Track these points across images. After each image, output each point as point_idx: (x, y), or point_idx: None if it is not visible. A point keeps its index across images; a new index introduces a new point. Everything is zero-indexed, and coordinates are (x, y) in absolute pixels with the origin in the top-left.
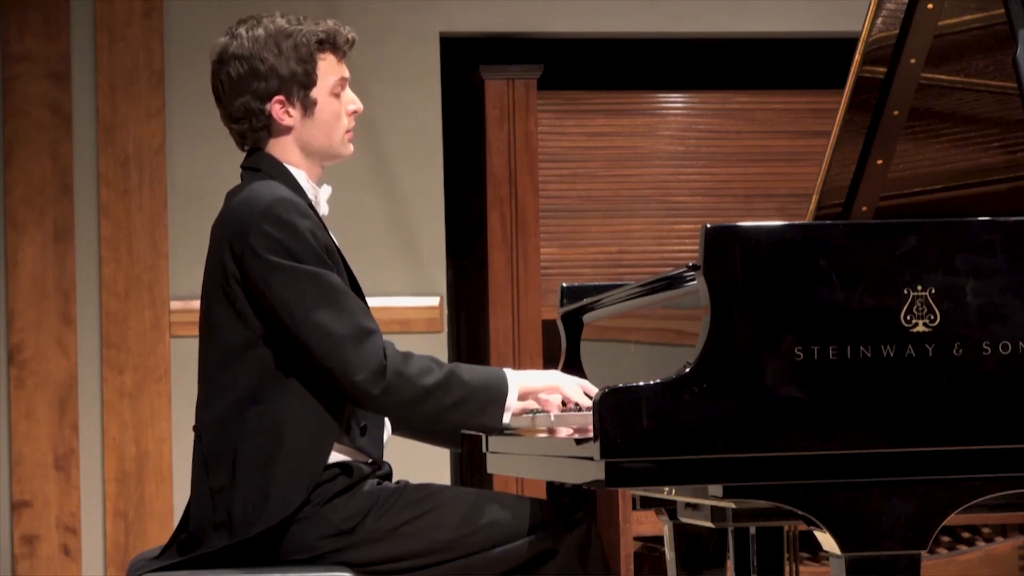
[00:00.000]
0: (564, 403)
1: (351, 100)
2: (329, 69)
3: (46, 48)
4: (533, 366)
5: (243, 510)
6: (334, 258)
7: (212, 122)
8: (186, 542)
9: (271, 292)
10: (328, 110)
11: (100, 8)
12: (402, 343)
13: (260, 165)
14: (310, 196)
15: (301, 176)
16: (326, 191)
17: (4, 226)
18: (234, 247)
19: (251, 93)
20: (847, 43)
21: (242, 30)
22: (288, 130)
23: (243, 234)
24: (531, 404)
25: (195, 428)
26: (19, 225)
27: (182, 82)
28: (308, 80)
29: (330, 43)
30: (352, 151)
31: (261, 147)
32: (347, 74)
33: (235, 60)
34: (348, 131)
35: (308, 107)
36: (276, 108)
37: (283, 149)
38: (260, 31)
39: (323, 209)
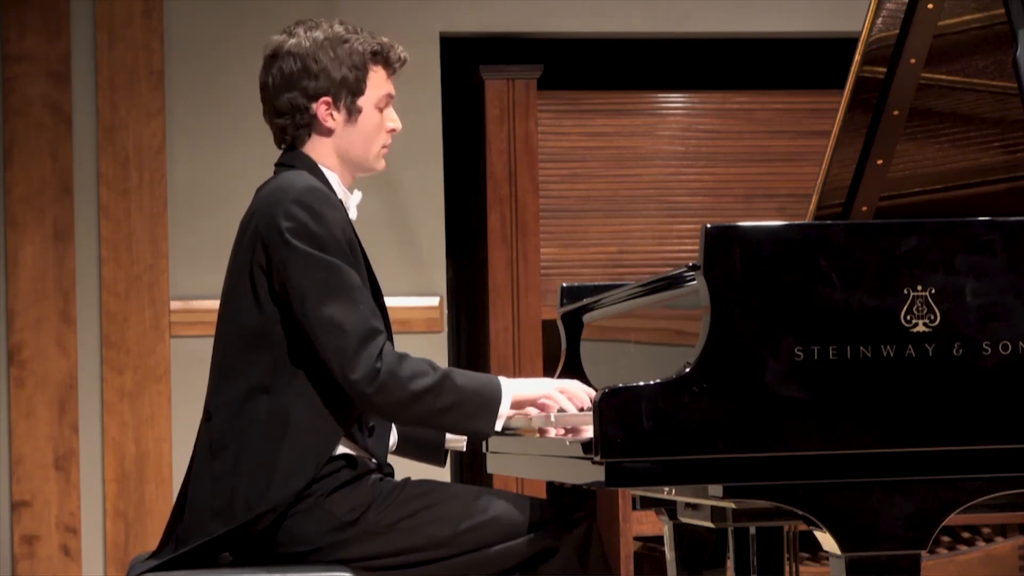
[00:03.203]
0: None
1: (392, 118)
2: (378, 82)
3: (46, 48)
4: (533, 366)
5: (244, 496)
6: (357, 255)
7: (212, 122)
8: (183, 532)
9: (288, 275)
10: (371, 121)
11: (100, 8)
12: (402, 343)
13: (295, 162)
14: (340, 198)
15: (334, 179)
16: (356, 196)
17: (4, 226)
18: (262, 232)
19: (300, 90)
20: (847, 43)
21: (300, 29)
22: (329, 133)
23: (272, 216)
24: (526, 411)
25: (206, 410)
26: (19, 225)
27: (182, 82)
28: (357, 87)
29: (383, 57)
30: (384, 167)
31: (299, 146)
32: (393, 92)
33: (290, 56)
34: (384, 147)
35: (352, 114)
36: (322, 109)
37: (321, 151)
38: (319, 33)
39: (352, 214)
